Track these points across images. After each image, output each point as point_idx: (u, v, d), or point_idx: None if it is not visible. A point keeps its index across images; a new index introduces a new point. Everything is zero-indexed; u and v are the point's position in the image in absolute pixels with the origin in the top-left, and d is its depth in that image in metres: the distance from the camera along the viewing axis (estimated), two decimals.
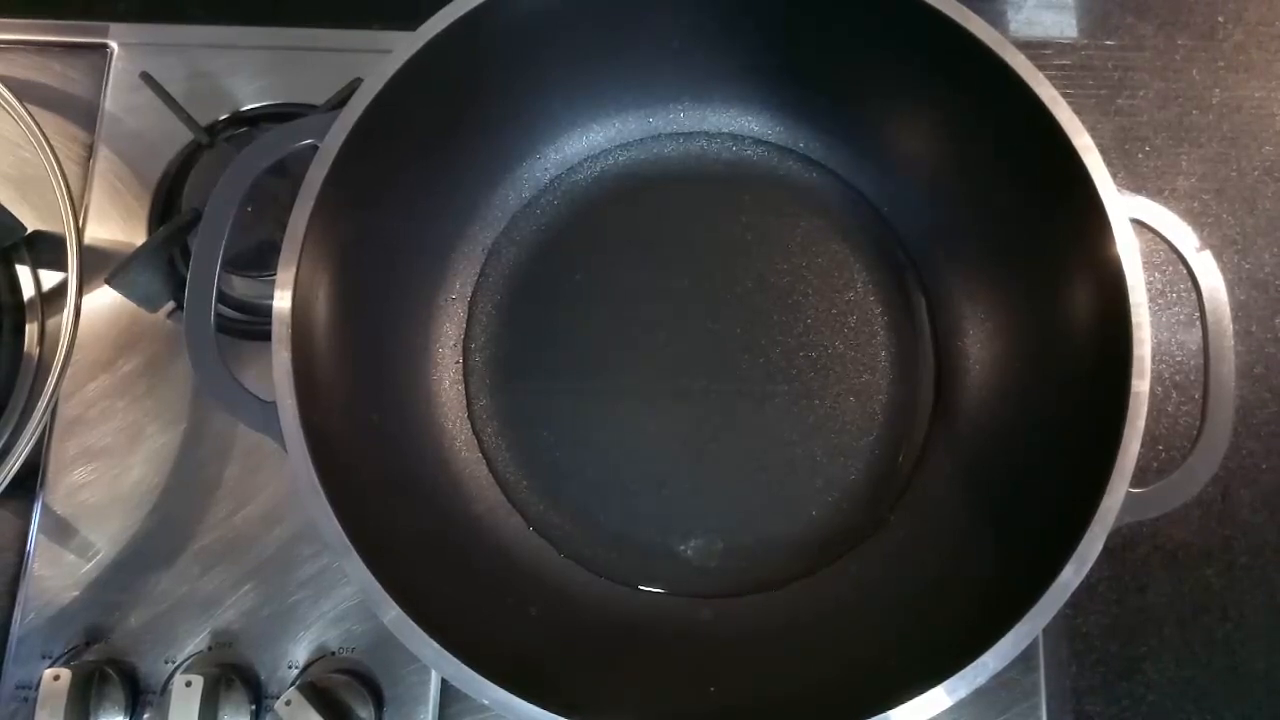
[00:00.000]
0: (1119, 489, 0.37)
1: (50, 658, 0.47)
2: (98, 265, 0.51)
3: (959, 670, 0.36)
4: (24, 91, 0.51)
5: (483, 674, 0.35)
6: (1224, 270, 0.41)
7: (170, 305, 0.51)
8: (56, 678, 0.44)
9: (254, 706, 0.46)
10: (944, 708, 0.35)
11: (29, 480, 0.49)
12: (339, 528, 0.37)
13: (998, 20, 0.60)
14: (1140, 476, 0.38)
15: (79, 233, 0.49)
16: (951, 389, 0.50)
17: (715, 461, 0.50)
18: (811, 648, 0.45)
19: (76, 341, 0.47)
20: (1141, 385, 0.38)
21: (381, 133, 0.42)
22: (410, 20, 0.42)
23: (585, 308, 0.52)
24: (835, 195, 0.53)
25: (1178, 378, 0.54)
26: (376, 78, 0.42)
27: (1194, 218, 0.57)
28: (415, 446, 0.48)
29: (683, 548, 0.49)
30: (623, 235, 0.53)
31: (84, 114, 0.55)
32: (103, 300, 0.51)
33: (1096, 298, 0.42)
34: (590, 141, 0.54)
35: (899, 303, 0.52)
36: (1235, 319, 0.41)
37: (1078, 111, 0.41)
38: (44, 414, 0.46)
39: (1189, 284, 0.41)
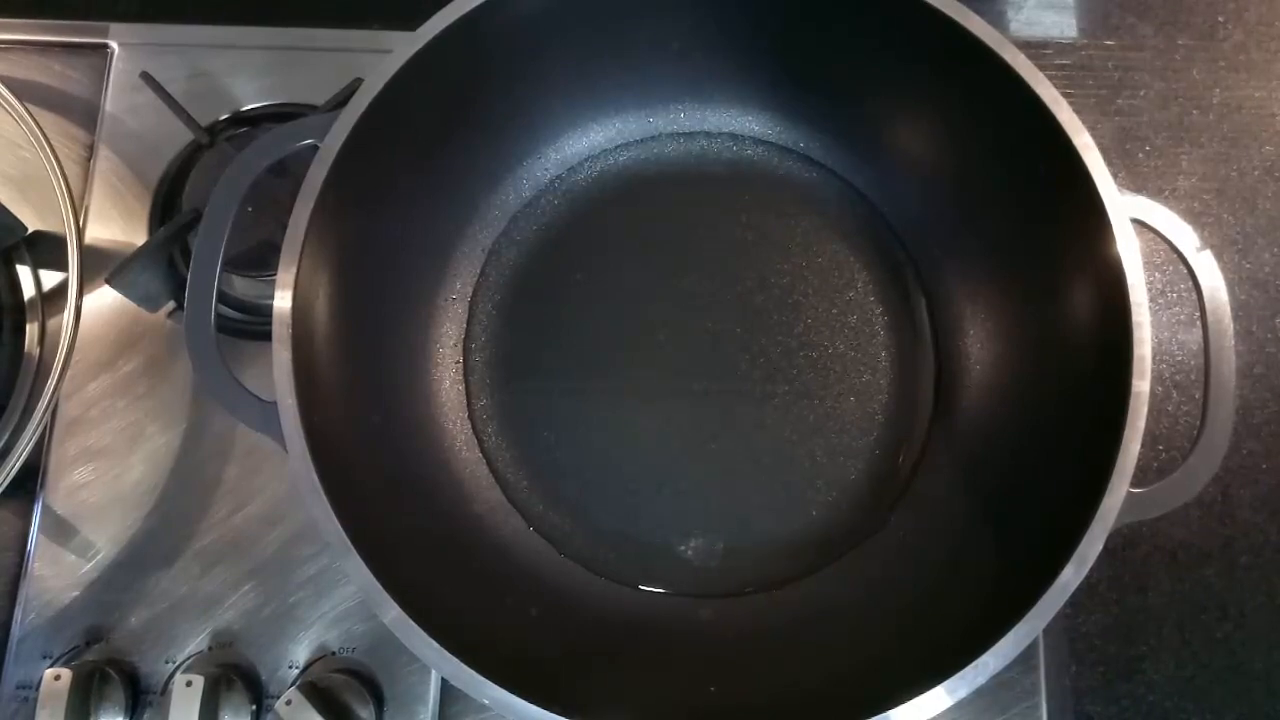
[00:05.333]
0: (1119, 489, 0.37)
1: (50, 658, 0.47)
2: (98, 265, 0.51)
3: (959, 670, 0.36)
4: (24, 91, 0.51)
5: (483, 674, 0.35)
6: (1224, 270, 0.41)
7: (170, 305, 0.51)
8: (57, 678, 0.44)
9: (254, 706, 0.46)
10: (944, 708, 0.35)
11: (29, 480, 0.49)
12: (339, 528, 0.37)
13: (998, 20, 0.60)
14: (1140, 476, 0.38)
15: (79, 233, 0.49)
16: (951, 389, 0.50)
17: (715, 461, 0.50)
18: (811, 648, 0.45)
19: (77, 341, 0.47)
20: (1141, 385, 0.38)
21: (382, 133, 0.42)
22: (410, 20, 0.42)
23: (585, 308, 0.52)
24: (835, 195, 0.53)
25: (1178, 378, 0.54)
26: (376, 78, 0.42)
27: (1194, 217, 0.57)
28: (415, 446, 0.48)
29: (683, 548, 0.49)
30: (623, 235, 0.53)
31: (84, 114, 0.55)
32: (103, 300, 0.51)
33: (1097, 297, 0.42)
34: (590, 141, 0.54)
35: (899, 303, 0.52)
36: (1235, 319, 0.41)
37: (1078, 111, 0.41)
38: (44, 414, 0.46)
39: (1189, 284, 0.41)
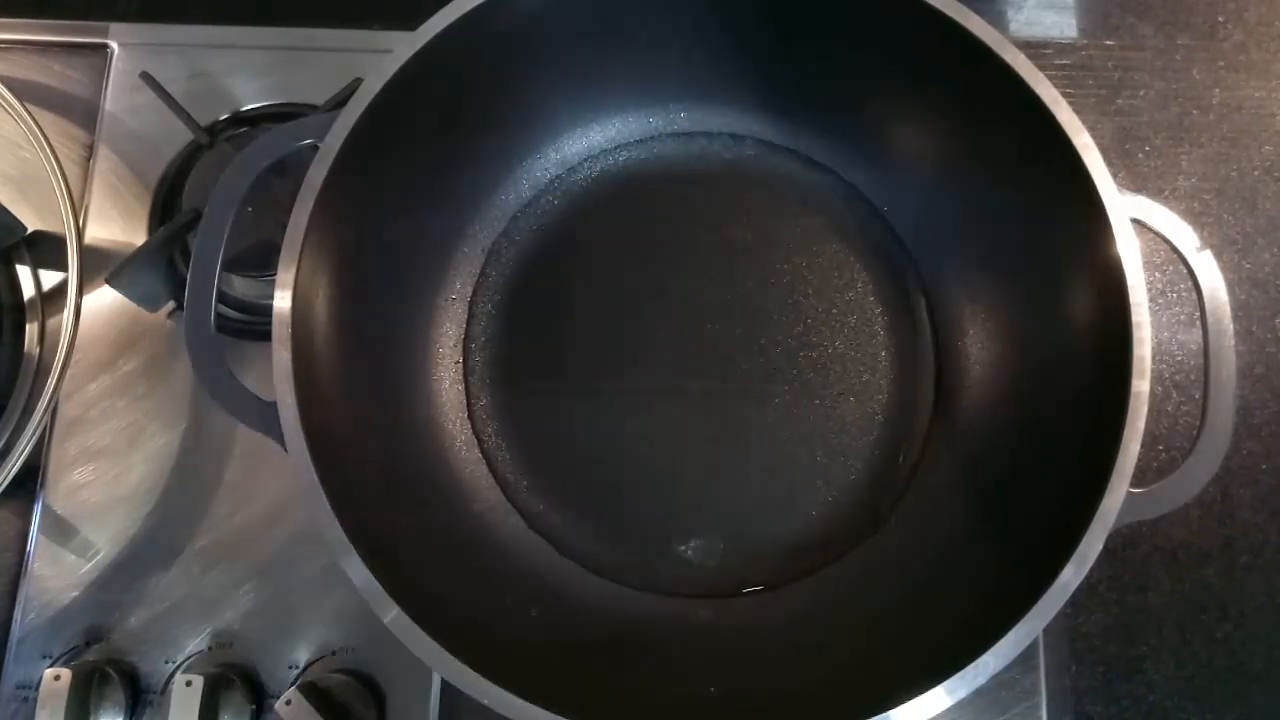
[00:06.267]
0: (1119, 489, 0.37)
1: (50, 658, 0.47)
2: (98, 265, 0.51)
3: (959, 670, 0.35)
4: (24, 91, 0.51)
5: (483, 674, 0.35)
6: (1224, 270, 0.41)
7: (170, 305, 0.51)
8: (57, 678, 0.44)
9: (254, 706, 0.46)
10: (944, 708, 0.35)
11: (29, 480, 0.49)
12: (339, 528, 0.37)
13: (998, 20, 0.60)
14: (1140, 476, 0.38)
15: (79, 233, 0.49)
16: (951, 389, 0.50)
17: (715, 461, 0.50)
18: (811, 647, 0.45)
19: (76, 341, 0.47)
20: (1141, 385, 0.38)
21: (382, 133, 0.42)
22: (410, 20, 0.42)
23: (585, 307, 0.52)
24: (835, 195, 0.53)
25: (1178, 378, 0.54)
26: (376, 78, 0.41)
27: (1194, 217, 0.57)
28: (415, 446, 0.48)
29: (683, 548, 0.49)
30: (623, 235, 0.53)
31: (84, 114, 0.55)
32: (103, 300, 0.51)
33: (1096, 297, 0.42)
34: (590, 141, 0.54)
35: (899, 303, 0.52)
36: (1235, 319, 0.41)
37: (1078, 111, 0.41)
38: (44, 414, 0.46)
39: (1189, 284, 0.41)
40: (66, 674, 0.44)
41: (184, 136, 0.54)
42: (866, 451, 0.50)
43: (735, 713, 0.41)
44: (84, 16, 0.57)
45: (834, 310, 0.52)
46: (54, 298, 0.53)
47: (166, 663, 0.47)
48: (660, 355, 0.51)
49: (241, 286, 0.53)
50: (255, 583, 0.48)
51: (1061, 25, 0.60)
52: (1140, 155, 0.58)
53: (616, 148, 0.54)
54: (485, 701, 0.35)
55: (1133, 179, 0.58)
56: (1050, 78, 0.41)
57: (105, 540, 0.49)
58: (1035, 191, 0.44)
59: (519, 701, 0.35)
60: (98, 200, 0.54)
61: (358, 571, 0.36)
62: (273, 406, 0.38)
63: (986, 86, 0.43)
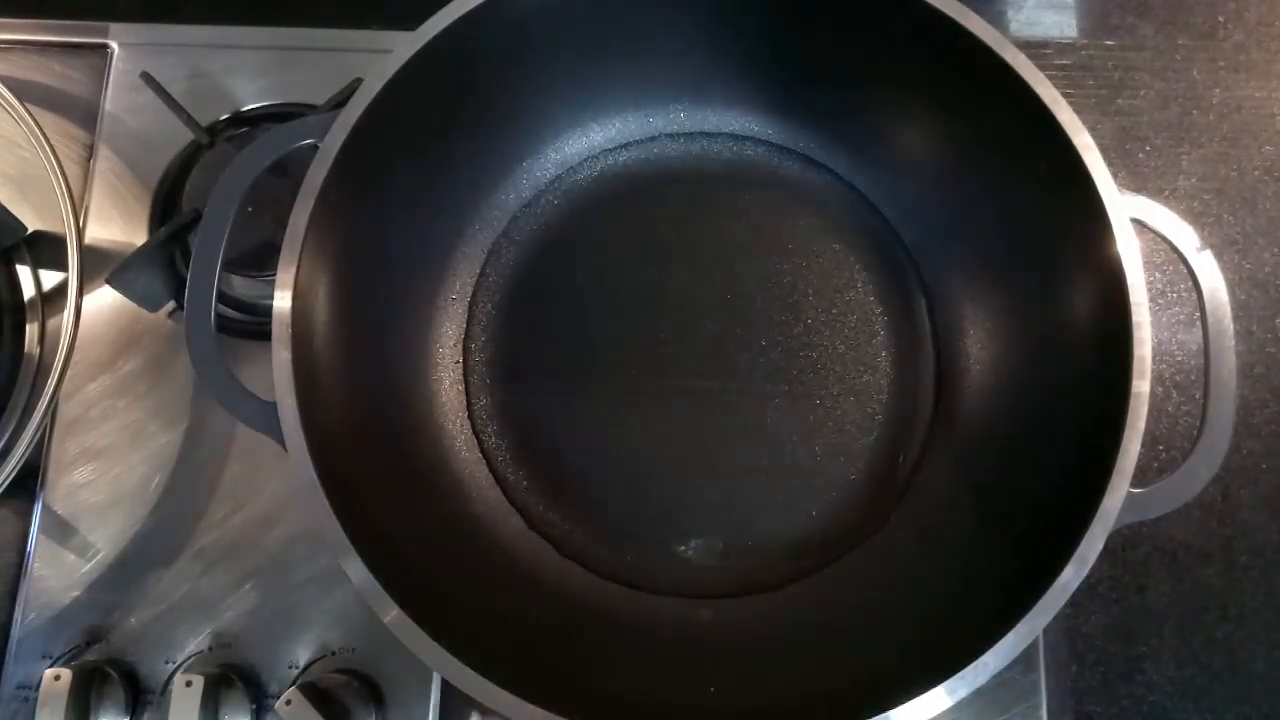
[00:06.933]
0: (1119, 489, 0.37)
1: (51, 658, 0.47)
2: (98, 265, 0.51)
3: (959, 670, 0.36)
4: (24, 91, 0.51)
5: (483, 674, 0.35)
6: (1224, 270, 0.41)
7: (170, 305, 0.51)
8: (57, 678, 0.44)
9: (254, 706, 0.46)
10: (944, 708, 0.35)
11: (29, 480, 0.49)
12: (339, 528, 0.37)
13: (998, 20, 0.60)
14: (1140, 476, 0.38)
15: (79, 233, 0.49)
16: (951, 389, 0.50)
17: (715, 461, 0.50)
18: (811, 648, 0.45)
19: (77, 341, 0.47)
20: (1141, 385, 0.38)
21: (382, 133, 0.42)
22: (410, 20, 0.42)
23: (585, 308, 0.52)
24: (835, 195, 0.53)
25: (1178, 378, 0.54)
26: (376, 78, 0.42)
27: (1194, 217, 0.57)
28: (415, 446, 0.48)
29: (683, 548, 0.49)
30: (623, 235, 0.53)
31: (84, 114, 0.55)
32: (103, 300, 0.52)
33: (1097, 298, 0.42)
34: (590, 141, 0.54)
35: (899, 303, 0.52)
36: (1235, 319, 0.41)
37: (1078, 111, 0.41)
38: (44, 414, 0.46)
39: (1189, 284, 0.41)
40: (66, 674, 0.44)
41: (184, 136, 0.54)
42: (866, 451, 0.50)
43: (735, 713, 0.41)
44: (84, 16, 0.57)
45: (834, 310, 0.52)
46: (54, 298, 0.53)
47: (166, 663, 0.47)
48: (660, 355, 0.51)
49: (241, 286, 0.53)
50: (255, 583, 0.48)
51: (1061, 25, 0.60)
52: (1140, 155, 0.58)
53: (616, 148, 0.54)
54: (485, 701, 0.35)
55: (1133, 179, 0.58)
56: (1050, 78, 0.41)
57: (105, 540, 0.49)
58: (1035, 192, 0.44)
59: (519, 701, 0.35)
60: (98, 200, 0.54)
61: (358, 571, 0.36)
62: (273, 406, 0.38)
63: (987, 86, 0.43)
